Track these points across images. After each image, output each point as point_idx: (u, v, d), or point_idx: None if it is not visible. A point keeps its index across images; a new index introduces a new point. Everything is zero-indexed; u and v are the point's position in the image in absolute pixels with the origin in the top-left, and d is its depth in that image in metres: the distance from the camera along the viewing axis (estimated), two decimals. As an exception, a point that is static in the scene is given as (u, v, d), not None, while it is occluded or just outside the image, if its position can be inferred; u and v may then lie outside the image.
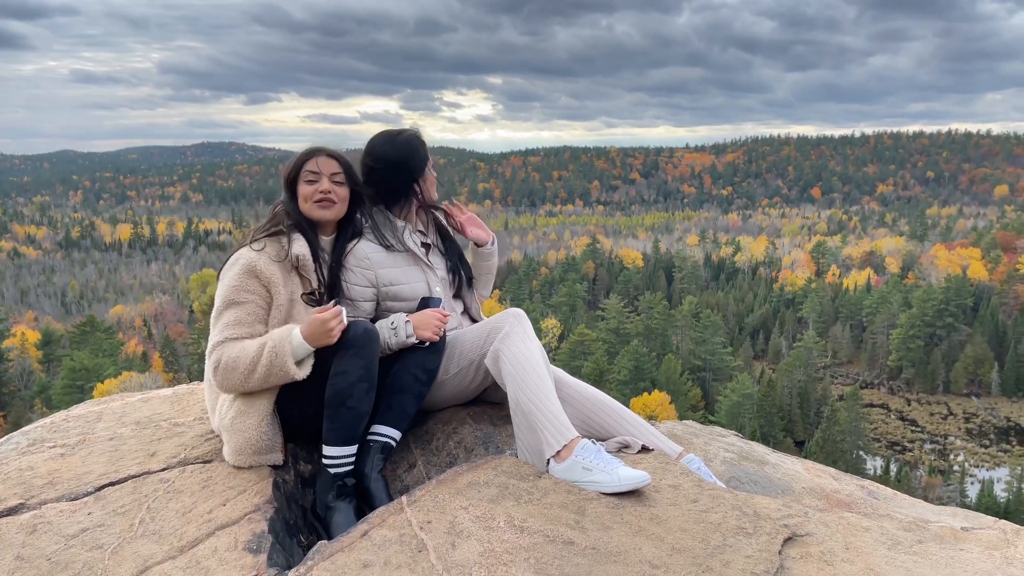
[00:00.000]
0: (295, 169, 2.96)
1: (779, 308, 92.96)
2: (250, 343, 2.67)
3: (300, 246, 2.87)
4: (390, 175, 3.13)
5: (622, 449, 2.90)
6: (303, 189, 2.94)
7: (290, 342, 2.63)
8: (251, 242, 2.85)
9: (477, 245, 3.42)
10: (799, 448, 53.66)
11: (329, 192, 2.94)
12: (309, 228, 2.96)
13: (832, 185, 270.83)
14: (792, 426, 60.40)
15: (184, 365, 60.42)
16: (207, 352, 2.74)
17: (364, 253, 3.06)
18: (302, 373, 2.68)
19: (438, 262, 3.32)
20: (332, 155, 2.99)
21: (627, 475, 2.49)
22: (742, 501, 2.52)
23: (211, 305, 3.08)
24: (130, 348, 64.88)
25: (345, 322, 2.66)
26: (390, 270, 3.09)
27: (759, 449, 3.61)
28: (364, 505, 2.67)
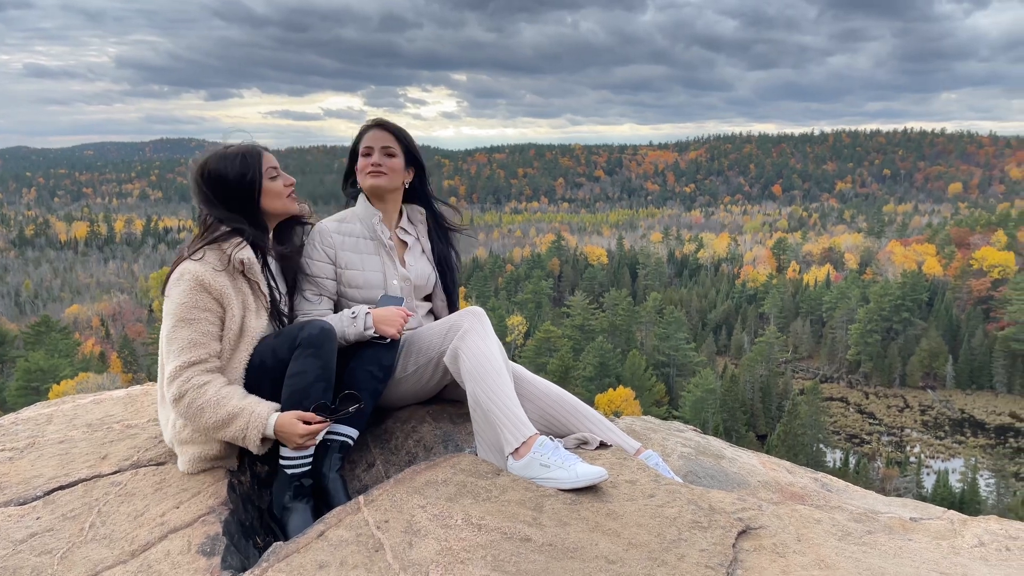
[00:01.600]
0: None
1: (741, 304, 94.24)
2: (226, 399, 2.59)
3: (243, 251, 2.79)
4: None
5: (580, 445, 2.92)
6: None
7: (265, 428, 2.59)
8: (190, 254, 2.76)
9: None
10: (761, 442, 54.48)
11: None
12: (256, 227, 2.87)
13: (792, 182, 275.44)
14: (754, 420, 61.32)
15: (143, 365, 59.41)
16: (167, 375, 2.64)
17: (328, 229, 3.13)
18: (261, 450, 2.66)
19: (415, 262, 3.30)
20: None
21: (584, 471, 2.50)
22: (698, 495, 2.56)
23: None
24: (87, 348, 63.55)
25: (316, 442, 2.65)
26: (349, 253, 3.11)
27: (716, 444, 3.66)
28: (322, 505, 2.65)
